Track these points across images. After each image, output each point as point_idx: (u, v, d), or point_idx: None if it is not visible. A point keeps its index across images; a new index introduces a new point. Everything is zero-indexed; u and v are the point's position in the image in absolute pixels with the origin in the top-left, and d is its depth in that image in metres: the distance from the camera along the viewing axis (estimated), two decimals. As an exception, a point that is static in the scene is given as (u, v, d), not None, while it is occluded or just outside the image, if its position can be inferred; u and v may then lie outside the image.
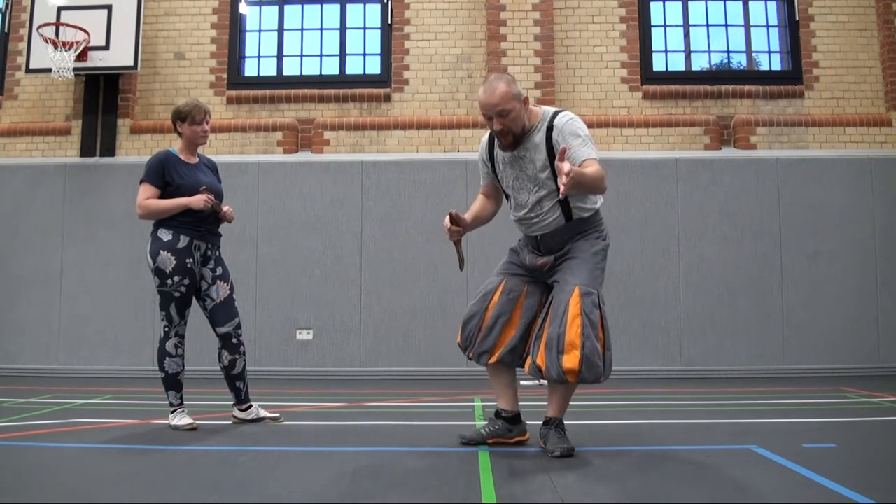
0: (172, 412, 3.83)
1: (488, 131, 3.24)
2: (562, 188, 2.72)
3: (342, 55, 7.87)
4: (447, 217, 3.12)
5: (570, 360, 2.88)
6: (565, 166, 2.70)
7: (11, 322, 7.25)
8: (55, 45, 7.01)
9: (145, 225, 3.97)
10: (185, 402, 3.87)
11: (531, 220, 3.14)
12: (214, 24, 7.74)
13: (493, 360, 3.20)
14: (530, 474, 2.71)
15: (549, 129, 3.03)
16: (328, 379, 6.92)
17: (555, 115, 3.08)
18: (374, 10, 7.91)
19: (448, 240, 3.17)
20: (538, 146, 3.05)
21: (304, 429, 3.95)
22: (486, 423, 3.33)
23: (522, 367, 3.23)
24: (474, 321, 3.23)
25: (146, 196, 3.82)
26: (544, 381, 3.24)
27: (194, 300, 3.93)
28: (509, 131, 3.03)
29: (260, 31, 7.99)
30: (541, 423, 3.17)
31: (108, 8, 7.29)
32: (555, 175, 2.98)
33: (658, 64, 7.77)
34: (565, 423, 3.15)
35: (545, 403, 3.18)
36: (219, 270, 3.97)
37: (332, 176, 7.32)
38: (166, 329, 3.84)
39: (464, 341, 3.27)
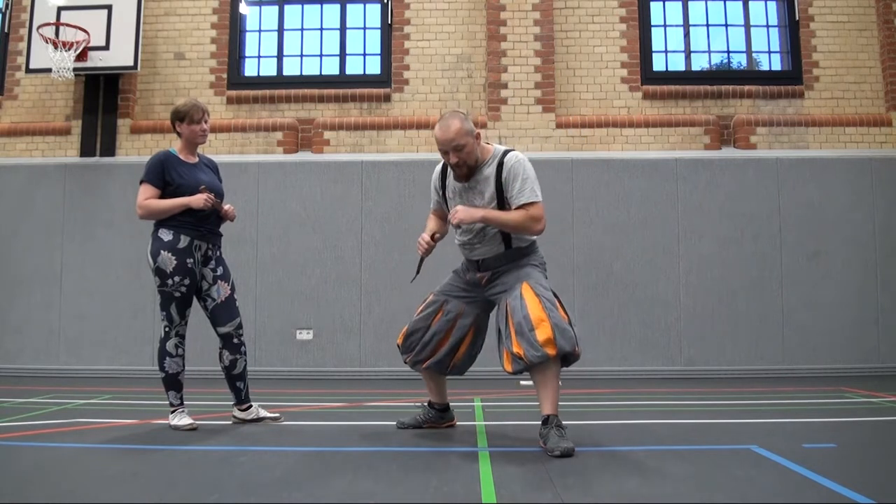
0: (172, 412, 3.83)
1: (441, 161, 3.54)
2: (451, 216, 3.28)
3: (342, 55, 7.87)
4: (429, 236, 3.51)
5: (543, 332, 3.07)
6: (458, 211, 3.28)
7: (11, 322, 7.25)
8: (55, 45, 7.01)
9: (145, 225, 3.97)
10: (185, 402, 3.87)
11: (474, 245, 3.44)
12: (214, 24, 7.74)
13: (424, 367, 3.63)
14: (530, 474, 2.71)
15: (500, 165, 3.33)
16: (328, 379, 6.92)
17: (505, 153, 3.37)
18: (374, 10, 7.91)
19: (419, 253, 3.53)
20: (488, 179, 3.35)
21: (304, 429, 3.96)
22: (420, 410, 3.83)
23: (446, 374, 3.67)
24: (416, 335, 3.60)
25: (146, 196, 3.82)
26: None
27: (195, 300, 3.93)
28: (464, 164, 3.31)
29: (260, 31, 7.99)
30: (539, 422, 3.19)
31: (108, 8, 7.29)
32: (500, 206, 3.34)
33: (658, 64, 7.77)
34: (565, 423, 3.15)
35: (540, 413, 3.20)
36: (220, 270, 3.97)
37: (332, 176, 7.32)
38: (167, 329, 3.84)
39: (405, 348, 3.66)
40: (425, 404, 3.85)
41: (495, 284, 3.43)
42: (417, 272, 3.66)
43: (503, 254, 3.41)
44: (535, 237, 3.46)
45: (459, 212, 3.28)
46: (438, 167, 3.63)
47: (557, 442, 3.03)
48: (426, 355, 3.59)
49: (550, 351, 3.06)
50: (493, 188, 3.33)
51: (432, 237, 3.53)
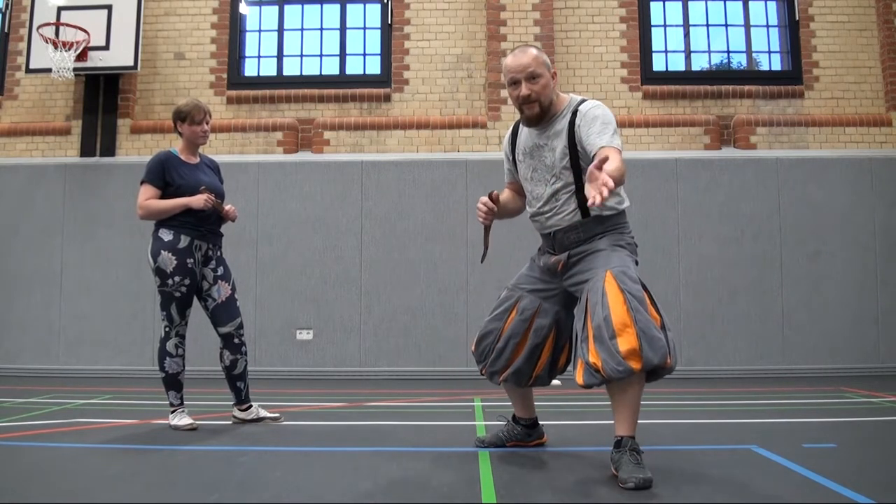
0: (172, 412, 3.83)
1: (512, 125, 3.11)
2: (594, 197, 2.28)
3: (342, 55, 7.87)
4: (487, 196, 2.93)
5: (627, 341, 2.50)
6: (601, 179, 2.31)
7: (11, 322, 7.25)
8: (55, 45, 7.01)
9: (145, 225, 3.97)
10: (185, 402, 3.87)
11: (545, 214, 2.91)
12: (214, 24, 7.74)
13: (501, 379, 3.10)
14: (530, 474, 2.71)
15: (574, 113, 2.83)
16: (328, 379, 6.92)
17: (581, 101, 2.89)
18: (374, 10, 7.90)
19: (480, 221, 2.97)
20: (560, 133, 2.84)
21: (304, 429, 3.96)
22: (504, 426, 3.27)
23: (527, 386, 3.13)
24: (489, 339, 3.07)
25: (146, 196, 3.83)
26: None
27: (195, 300, 3.93)
28: (536, 100, 2.81)
29: (260, 31, 7.99)
30: (612, 445, 2.71)
31: (108, 8, 7.29)
32: (573, 165, 2.82)
33: (658, 64, 7.77)
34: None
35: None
36: (220, 270, 3.97)
37: (332, 176, 7.32)
38: (167, 329, 3.84)
39: (479, 355, 3.14)
40: (508, 419, 3.29)
41: (574, 273, 2.84)
42: (486, 248, 3.03)
43: (581, 223, 2.82)
44: (622, 206, 2.88)
45: (611, 169, 2.42)
46: (508, 131, 3.10)
47: (632, 470, 2.49)
48: (502, 365, 3.03)
49: (635, 365, 2.50)
50: (566, 142, 2.80)
51: (491, 196, 2.91)
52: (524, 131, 2.98)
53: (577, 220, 2.84)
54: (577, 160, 2.80)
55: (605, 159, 2.39)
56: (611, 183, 2.28)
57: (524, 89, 2.79)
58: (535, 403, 3.30)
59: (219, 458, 3.15)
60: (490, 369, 3.08)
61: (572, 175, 2.83)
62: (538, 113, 2.83)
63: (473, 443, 3.30)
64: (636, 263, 2.83)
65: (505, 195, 3.11)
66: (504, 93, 7.30)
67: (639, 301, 2.59)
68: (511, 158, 3.09)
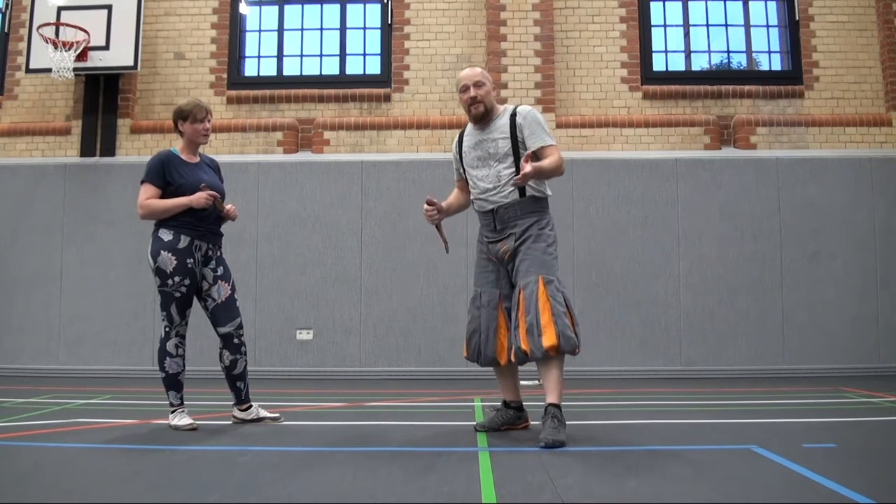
0: (172, 412, 3.83)
1: (457, 135, 3.83)
2: (520, 176, 3.32)
3: (342, 55, 7.87)
4: (426, 203, 3.66)
5: (549, 339, 3.31)
6: (528, 167, 3.30)
7: (11, 322, 7.25)
8: (55, 45, 7.01)
9: (145, 225, 3.97)
10: (185, 402, 3.87)
11: (490, 192, 3.59)
12: (214, 24, 7.74)
13: (504, 362, 3.60)
14: (530, 474, 2.71)
15: (513, 114, 3.62)
16: (328, 379, 6.92)
17: (517, 106, 3.70)
18: (374, 10, 7.91)
19: (429, 223, 3.70)
20: (501, 128, 3.62)
21: (304, 429, 3.96)
22: (495, 413, 3.72)
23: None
24: (476, 337, 3.64)
25: (147, 196, 3.82)
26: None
27: (195, 300, 3.93)
28: (481, 101, 3.61)
29: (260, 31, 7.99)
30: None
31: (108, 8, 7.29)
32: (514, 152, 3.55)
33: (658, 64, 7.77)
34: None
35: (543, 403, 3.21)
36: (220, 270, 3.97)
37: (332, 176, 7.32)
38: (167, 329, 3.84)
39: (471, 355, 3.68)
40: (500, 406, 3.77)
41: (515, 262, 3.53)
42: (445, 242, 3.78)
43: (518, 202, 3.55)
44: (548, 193, 3.65)
45: (529, 171, 3.37)
46: (456, 137, 3.84)
47: (548, 433, 3.21)
48: (492, 351, 3.61)
49: (552, 353, 3.33)
50: (508, 134, 3.58)
51: (429, 202, 3.66)
52: (468, 133, 3.74)
53: (514, 198, 3.56)
54: (518, 150, 3.55)
55: (528, 156, 3.43)
56: (529, 172, 3.30)
57: (472, 92, 3.61)
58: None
59: (219, 458, 3.15)
60: (485, 360, 3.64)
61: (513, 161, 3.56)
62: (482, 111, 3.63)
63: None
64: (556, 255, 3.58)
65: (454, 195, 3.88)
66: (504, 93, 7.31)
67: (561, 306, 3.39)
68: (458, 157, 3.79)
